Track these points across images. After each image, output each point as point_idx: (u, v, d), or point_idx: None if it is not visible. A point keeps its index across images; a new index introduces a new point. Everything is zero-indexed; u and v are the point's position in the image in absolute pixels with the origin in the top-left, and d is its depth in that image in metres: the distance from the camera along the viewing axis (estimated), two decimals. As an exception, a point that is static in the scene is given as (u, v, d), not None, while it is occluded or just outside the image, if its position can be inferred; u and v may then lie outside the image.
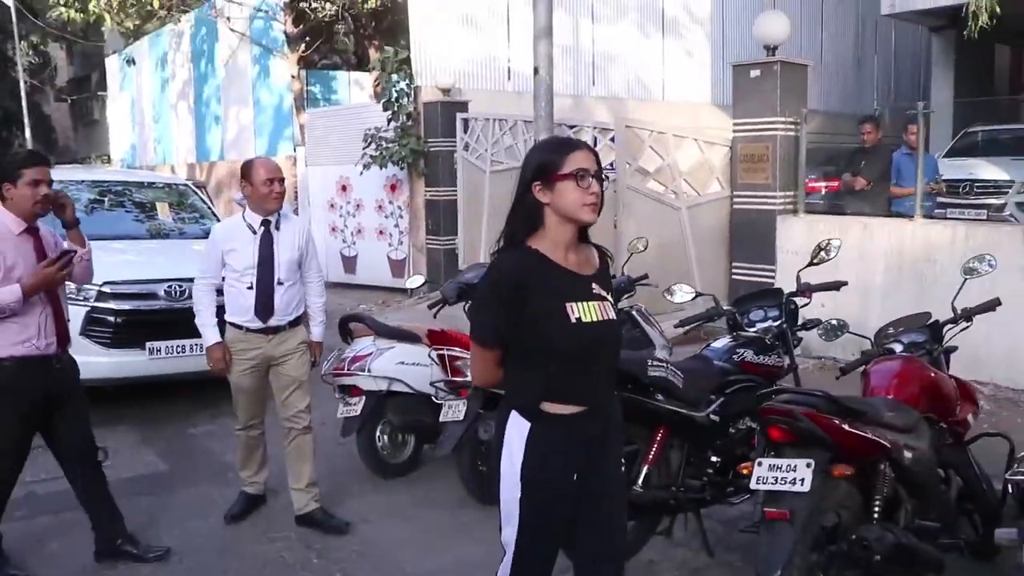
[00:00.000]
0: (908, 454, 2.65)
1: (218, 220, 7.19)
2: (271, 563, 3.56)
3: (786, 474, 2.48)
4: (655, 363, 3.34)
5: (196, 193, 7.62)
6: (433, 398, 4.19)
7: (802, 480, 2.46)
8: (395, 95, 9.91)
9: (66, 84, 34.11)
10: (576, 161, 2.08)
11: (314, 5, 13.36)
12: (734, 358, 3.58)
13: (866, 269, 6.22)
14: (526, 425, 2.12)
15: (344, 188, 11.62)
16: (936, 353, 3.33)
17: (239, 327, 3.81)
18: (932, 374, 3.07)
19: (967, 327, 3.32)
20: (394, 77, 9.83)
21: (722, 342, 3.73)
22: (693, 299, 4.07)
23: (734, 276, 7.13)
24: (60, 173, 5.87)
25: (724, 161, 7.28)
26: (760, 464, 2.55)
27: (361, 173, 10.39)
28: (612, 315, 2.17)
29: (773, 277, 6.75)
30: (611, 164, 7.07)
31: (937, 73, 14.67)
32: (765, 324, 3.72)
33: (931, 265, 6.04)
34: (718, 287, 6.82)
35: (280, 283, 3.80)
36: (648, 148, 7.02)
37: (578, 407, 2.13)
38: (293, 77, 13.30)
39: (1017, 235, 5.73)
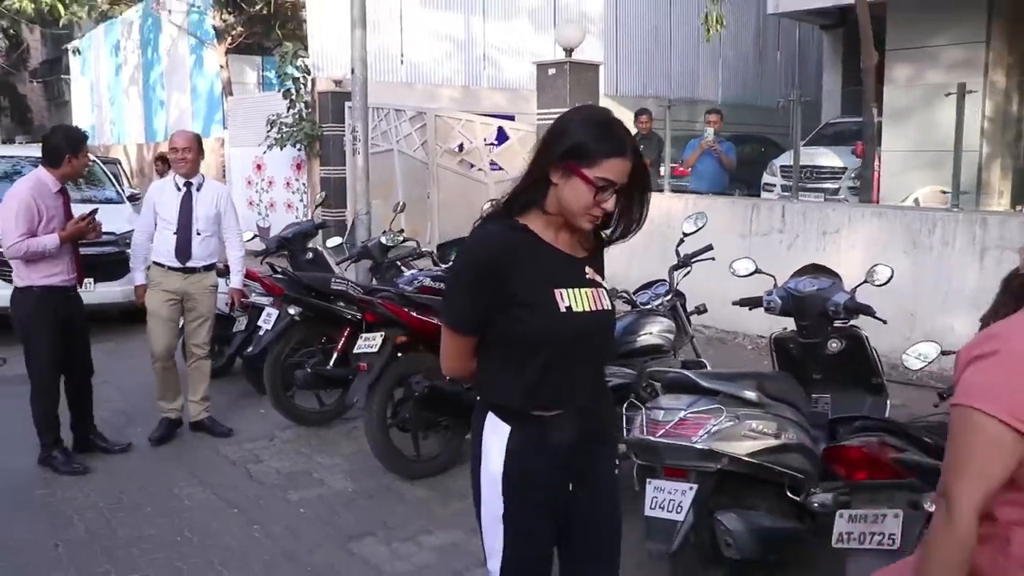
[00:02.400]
0: None
1: (118, 189, 8.98)
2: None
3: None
4: (337, 279, 5.11)
5: (100, 167, 9.34)
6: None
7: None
8: (292, 85, 11.63)
9: (39, 66, 35.77)
10: (609, 168, 1.84)
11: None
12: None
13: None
14: (505, 428, 1.92)
15: (259, 167, 13.37)
16: (670, 298, 4.40)
17: (161, 265, 4.84)
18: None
19: (688, 271, 4.40)
20: (290, 69, 11.54)
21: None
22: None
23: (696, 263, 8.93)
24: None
25: (532, 144, 9.04)
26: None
27: (264, 153, 12.14)
28: (606, 304, 1.97)
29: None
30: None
31: (828, 67, 16.46)
32: (658, 300, 4.45)
33: (672, 231, 7.78)
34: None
35: (198, 233, 4.84)
36: (458, 132, 8.75)
37: (566, 408, 1.94)
38: (221, 67, 15.02)
39: (737, 206, 7.47)
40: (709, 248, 4.59)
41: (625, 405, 3.52)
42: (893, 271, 3.62)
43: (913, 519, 2.42)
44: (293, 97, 11.67)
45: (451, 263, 4.46)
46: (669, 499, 3.01)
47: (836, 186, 12.22)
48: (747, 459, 2.97)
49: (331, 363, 5.05)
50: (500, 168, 9.37)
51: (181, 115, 17.13)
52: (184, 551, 3.64)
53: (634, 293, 4.74)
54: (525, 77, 14.17)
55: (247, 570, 3.48)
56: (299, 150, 12.00)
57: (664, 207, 7.91)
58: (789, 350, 3.79)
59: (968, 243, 5.87)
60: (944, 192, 10.13)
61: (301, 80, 11.66)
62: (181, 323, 5.04)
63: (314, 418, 5.22)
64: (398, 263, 6.19)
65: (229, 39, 15.28)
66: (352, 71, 7.67)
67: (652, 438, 3.04)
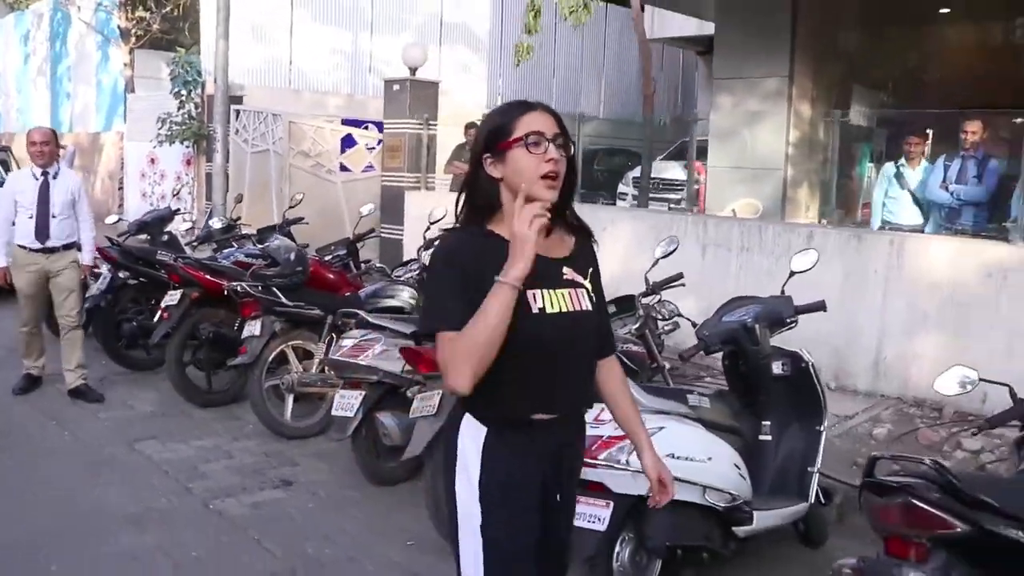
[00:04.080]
0: None
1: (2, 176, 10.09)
2: None
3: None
4: (163, 252, 6.40)
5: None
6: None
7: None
8: (183, 88, 12.82)
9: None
10: (529, 123, 1.87)
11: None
12: None
13: (447, 224, 9.42)
14: (482, 431, 1.92)
15: (152, 161, 14.48)
16: (639, 327, 4.53)
17: (23, 247, 5.63)
18: None
19: (658, 298, 4.49)
20: (179, 73, 12.73)
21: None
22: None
23: (382, 235, 10.25)
24: None
25: (379, 149, 10.44)
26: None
27: (154, 147, 13.29)
28: (586, 305, 1.97)
29: (402, 234, 9.89)
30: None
31: (701, 90, 18.27)
32: (624, 329, 4.52)
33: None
34: (371, 243, 9.96)
35: (54, 216, 5.62)
36: (311, 137, 10.11)
37: (544, 414, 1.94)
38: (125, 64, 16.11)
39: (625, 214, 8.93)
40: (680, 276, 4.71)
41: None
42: (818, 256, 4.06)
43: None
44: (183, 98, 12.84)
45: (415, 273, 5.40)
46: (347, 402, 4.40)
47: (679, 197, 13.92)
48: (398, 373, 4.37)
49: (155, 318, 6.33)
50: (348, 169, 10.80)
51: (85, 108, 18.09)
52: (5, 444, 4.91)
53: (392, 271, 6.18)
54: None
55: (52, 458, 4.77)
56: (187, 147, 13.17)
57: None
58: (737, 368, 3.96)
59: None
60: (753, 202, 11.91)
61: (192, 83, 12.84)
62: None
63: (137, 362, 6.49)
64: (232, 242, 7.51)
65: (134, 38, 16.37)
66: (215, 80, 8.93)
67: (334, 356, 4.44)
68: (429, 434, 3.72)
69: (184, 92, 12.86)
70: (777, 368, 3.94)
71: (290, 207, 7.71)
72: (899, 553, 2.14)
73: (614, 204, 13.88)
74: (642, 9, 15.10)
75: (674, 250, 4.58)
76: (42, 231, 5.64)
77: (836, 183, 12.21)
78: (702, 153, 13.10)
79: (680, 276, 4.60)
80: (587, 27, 18.47)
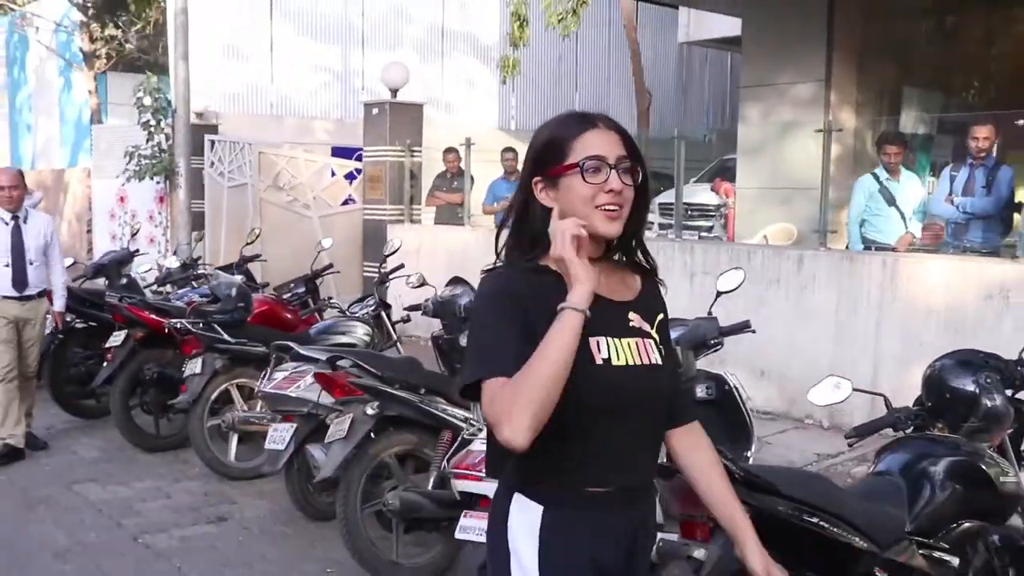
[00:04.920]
0: None
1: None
2: None
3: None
4: (110, 294, 7.45)
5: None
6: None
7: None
8: (151, 117, 14.08)
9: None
10: (587, 145, 1.88)
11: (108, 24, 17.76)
12: None
13: (432, 263, 10.36)
14: (537, 510, 1.91)
15: (122, 199, 15.77)
16: (375, 308, 7.27)
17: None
18: None
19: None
20: (148, 101, 14.00)
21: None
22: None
23: (365, 273, 11.24)
24: None
25: (359, 180, 11.49)
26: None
27: (123, 184, 14.54)
28: (656, 358, 1.96)
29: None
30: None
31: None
32: (364, 310, 7.19)
33: (471, 262, 10.18)
34: (352, 282, 10.96)
35: (31, 263, 6.39)
36: (283, 168, 11.20)
37: (609, 486, 1.93)
38: (90, 92, 17.57)
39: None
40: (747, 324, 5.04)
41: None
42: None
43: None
44: (152, 129, 14.10)
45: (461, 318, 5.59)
46: (279, 435, 5.30)
47: (710, 224, 14.71)
48: (327, 404, 5.26)
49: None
50: (353, 201, 11.88)
51: (49, 141, 19.63)
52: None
53: (348, 307, 7.13)
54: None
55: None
56: (158, 183, 14.41)
57: (471, 240, 10.32)
58: (441, 346, 6.10)
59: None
60: (788, 227, 12.65)
61: (162, 112, 14.11)
62: None
63: (86, 410, 7.49)
64: (192, 281, 8.54)
65: (105, 59, 17.85)
66: (174, 110, 10.06)
67: (265, 389, 5.36)
68: (340, 456, 4.59)
69: (153, 122, 14.12)
70: (701, 391, 4.75)
71: (247, 243, 8.73)
72: (689, 534, 2.94)
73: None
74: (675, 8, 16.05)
75: (741, 283, 4.91)
76: (19, 279, 6.47)
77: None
78: (732, 173, 13.89)
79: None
80: (615, 34, 19.57)
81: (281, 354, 5.63)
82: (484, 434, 4.09)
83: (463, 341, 5.67)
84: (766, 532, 2.27)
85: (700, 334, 4.71)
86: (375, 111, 11.11)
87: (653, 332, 2.01)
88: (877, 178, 7.86)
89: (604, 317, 1.90)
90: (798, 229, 12.09)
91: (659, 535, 3.14)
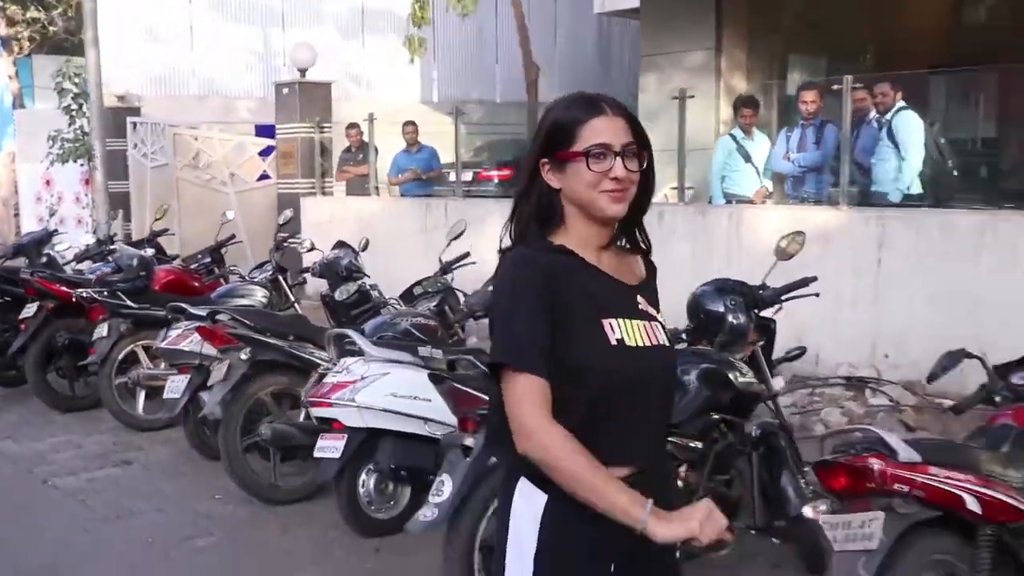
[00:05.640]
0: None
1: None
2: None
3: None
4: (25, 270, 8.02)
5: None
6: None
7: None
8: (72, 101, 14.51)
9: None
10: (594, 131, 1.92)
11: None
12: None
13: (344, 232, 10.99)
14: (541, 498, 1.92)
15: (48, 182, 16.20)
16: (272, 273, 7.91)
17: None
18: None
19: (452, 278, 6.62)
20: (68, 85, 14.42)
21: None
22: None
23: (289, 245, 11.84)
24: None
25: (272, 156, 12.10)
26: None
27: (48, 168, 14.98)
28: (664, 339, 2.01)
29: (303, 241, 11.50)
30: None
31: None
32: (262, 275, 8.19)
33: (386, 228, 10.84)
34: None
35: None
36: (197, 148, 11.77)
37: (622, 468, 1.92)
38: (10, 77, 17.92)
39: (415, 206, 10.51)
40: (468, 255, 6.44)
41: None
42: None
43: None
44: (73, 113, 14.54)
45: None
46: (175, 385, 5.95)
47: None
48: (213, 355, 5.91)
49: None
50: (268, 177, 12.48)
51: (-26, 128, 19.89)
52: None
53: (248, 273, 7.79)
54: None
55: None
56: (82, 165, 14.86)
57: (370, 208, 10.99)
58: (327, 302, 6.77)
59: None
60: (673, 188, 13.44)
61: (83, 97, 14.54)
62: None
63: (8, 380, 8.08)
64: (108, 258, 9.12)
65: (27, 42, 18.18)
66: (87, 94, 10.57)
67: (161, 345, 6.00)
68: (219, 396, 5.28)
69: (75, 106, 14.56)
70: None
71: (156, 219, 9.32)
72: (463, 428, 3.72)
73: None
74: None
75: (463, 232, 6.16)
76: None
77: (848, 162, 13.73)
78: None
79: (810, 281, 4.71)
80: (534, 3, 20.15)
81: (176, 315, 6.28)
82: (337, 368, 4.82)
83: (339, 296, 6.39)
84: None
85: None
86: (285, 91, 11.69)
87: (659, 316, 2.05)
88: (735, 138, 8.67)
89: (617, 299, 1.98)
90: (695, 187, 12.89)
91: (433, 422, 3.92)
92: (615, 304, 1.96)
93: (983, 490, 3.08)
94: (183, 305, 6.16)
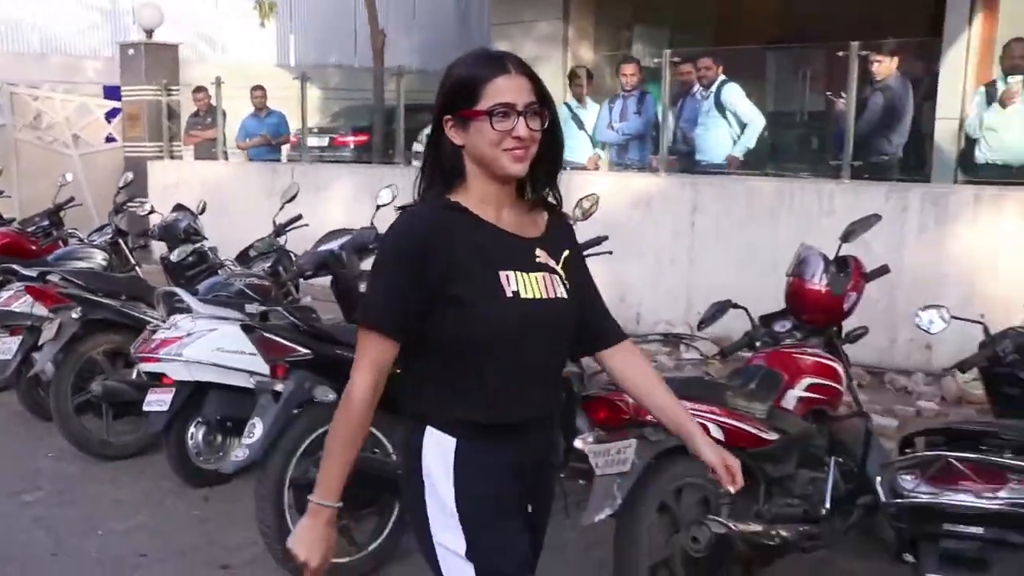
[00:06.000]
0: None
1: None
2: None
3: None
4: None
5: None
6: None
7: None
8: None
9: None
10: (497, 91, 1.94)
11: None
12: None
13: (191, 196, 10.99)
14: (450, 441, 2.01)
15: None
16: (112, 237, 7.87)
17: None
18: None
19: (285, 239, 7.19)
20: None
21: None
22: None
23: (129, 208, 11.74)
24: None
25: (118, 118, 11.95)
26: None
27: None
28: (562, 292, 2.07)
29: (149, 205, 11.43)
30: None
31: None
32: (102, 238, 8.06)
33: (233, 192, 10.88)
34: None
35: None
36: (39, 109, 11.55)
37: (522, 415, 2.05)
38: None
39: (262, 171, 10.60)
40: (300, 217, 6.63)
41: None
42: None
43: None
44: None
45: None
46: (7, 347, 5.99)
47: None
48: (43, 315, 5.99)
49: None
50: (114, 139, 12.30)
51: None
52: None
53: (88, 236, 7.82)
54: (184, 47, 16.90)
55: None
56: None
57: (217, 172, 11.03)
58: (166, 264, 6.85)
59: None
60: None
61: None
62: None
63: None
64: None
65: None
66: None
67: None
68: (50, 354, 5.41)
69: None
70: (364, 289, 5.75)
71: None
72: (275, 374, 3.98)
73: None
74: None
75: (295, 195, 6.38)
76: None
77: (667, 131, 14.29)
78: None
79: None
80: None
81: (7, 276, 6.31)
82: (166, 325, 5.01)
83: (175, 258, 6.53)
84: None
85: (361, 240, 5.69)
86: (131, 52, 11.55)
87: (559, 268, 2.10)
88: (569, 107, 9.07)
89: (513, 253, 2.03)
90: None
91: (257, 375, 4.18)
92: (511, 258, 2.01)
93: (725, 420, 3.54)
94: (14, 266, 6.20)
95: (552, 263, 2.09)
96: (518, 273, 2.00)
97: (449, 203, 2.01)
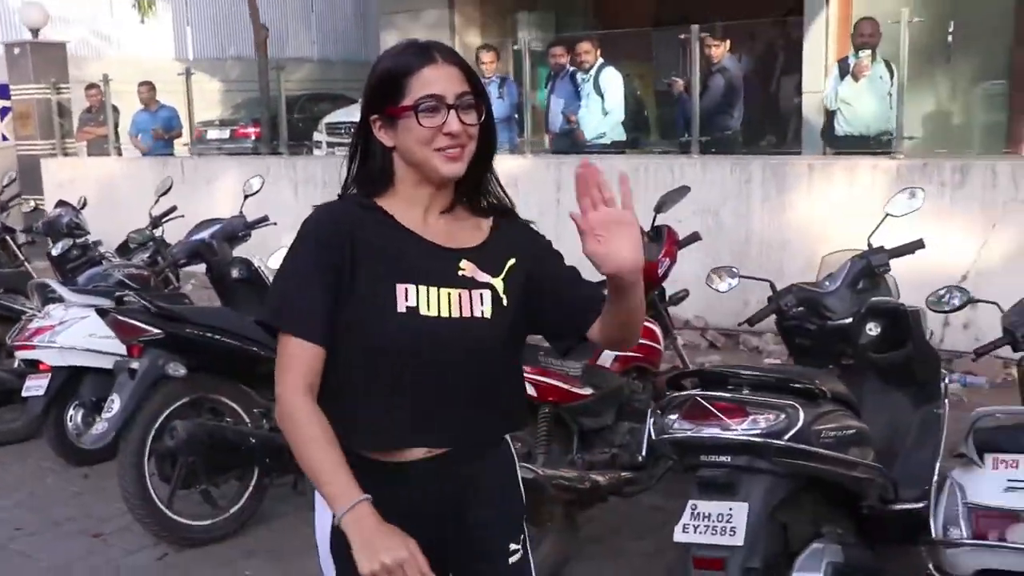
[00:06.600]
0: None
1: None
2: None
3: None
4: None
5: None
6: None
7: None
8: None
9: None
10: (424, 82, 1.75)
11: None
12: None
13: (85, 192, 11.08)
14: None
15: None
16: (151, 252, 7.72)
17: None
18: None
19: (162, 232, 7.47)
20: None
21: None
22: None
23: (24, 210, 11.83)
24: None
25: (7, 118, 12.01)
26: None
27: None
28: (482, 311, 1.83)
29: (43, 203, 11.52)
30: None
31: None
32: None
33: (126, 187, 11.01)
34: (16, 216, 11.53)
35: None
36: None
37: (414, 448, 1.81)
38: None
39: (169, 166, 10.77)
40: (175, 209, 6.76)
41: None
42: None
43: None
44: None
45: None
46: None
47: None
48: None
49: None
50: (7, 139, 12.32)
51: None
52: None
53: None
54: (81, 44, 16.76)
55: None
56: None
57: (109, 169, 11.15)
58: (53, 259, 7.06)
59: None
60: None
61: None
62: None
63: None
64: None
65: None
66: None
67: None
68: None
69: None
70: (238, 272, 6.06)
71: None
72: (131, 353, 4.31)
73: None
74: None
75: (169, 188, 6.67)
76: None
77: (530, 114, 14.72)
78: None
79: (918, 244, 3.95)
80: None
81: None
82: (40, 314, 5.27)
83: (55, 252, 6.74)
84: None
85: (231, 229, 5.99)
86: (17, 51, 11.59)
87: (493, 280, 1.86)
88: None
89: (425, 264, 1.82)
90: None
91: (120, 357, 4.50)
92: (419, 269, 1.81)
93: (536, 377, 3.94)
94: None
95: (482, 276, 1.86)
96: (423, 287, 1.80)
97: (363, 201, 1.85)
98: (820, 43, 9.82)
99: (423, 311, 1.79)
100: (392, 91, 1.78)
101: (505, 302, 1.87)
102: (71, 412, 5.23)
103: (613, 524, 4.43)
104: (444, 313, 1.80)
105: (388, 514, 1.71)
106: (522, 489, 2.03)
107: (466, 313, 1.82)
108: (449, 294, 1.82)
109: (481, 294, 1.85)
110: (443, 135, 1.76)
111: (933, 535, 3.13)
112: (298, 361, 1.77)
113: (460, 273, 1.85)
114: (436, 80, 1.76)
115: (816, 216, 7.17)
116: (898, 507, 3.44)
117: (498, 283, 1.88)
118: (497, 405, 1.91)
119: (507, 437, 2.01)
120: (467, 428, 1.86)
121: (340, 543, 1.74)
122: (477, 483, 1.89)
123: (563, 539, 3.96)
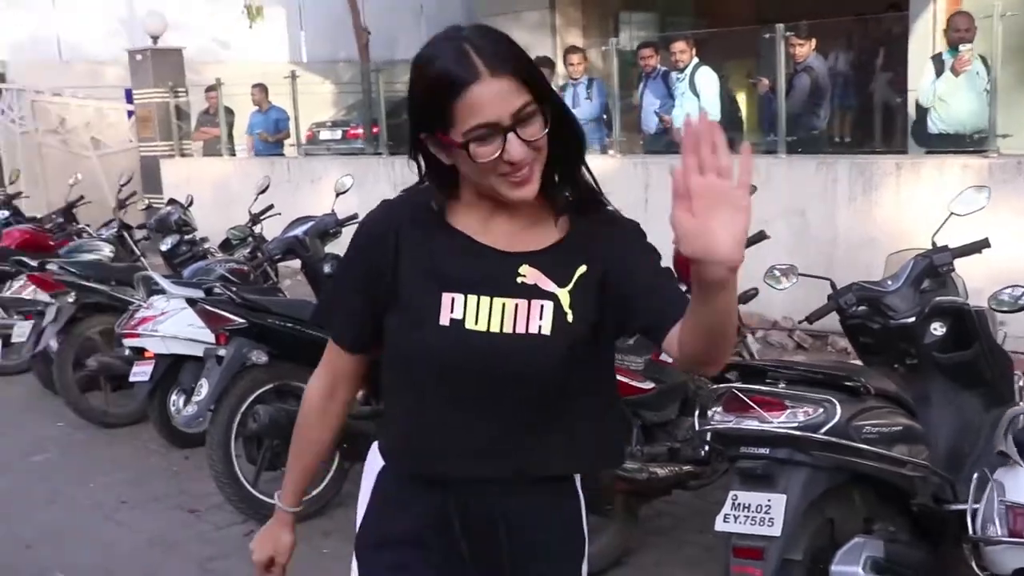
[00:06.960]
0: None
1: None
2: None
3: None
4: None
5: None
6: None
7: None
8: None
9: None
10: (471, 107, 1.50)
11: None
12: None
13: (200, 190, 11.67)
14: (379, 464, 1.75)
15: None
16: (117, 230, 8.60)
17: None
18: None
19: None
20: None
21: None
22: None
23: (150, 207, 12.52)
24: None
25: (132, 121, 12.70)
26: None
27: None
28: (539, 326, 1.61)
29: (162, 201, 12.17)
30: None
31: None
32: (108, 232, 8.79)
33: (239, 186, 11.55)
34: (135, 213, 12.24)
35: None
36: (56, 114, 12.31)
37: (446, 471, 1.67)
38: None
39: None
40: (272, 207, 7.10)
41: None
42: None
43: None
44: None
45: None
46: (21, 331, 6.70)
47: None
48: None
49: None
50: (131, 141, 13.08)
51: None
52: None
53: (96, 230, 8.54)
54: (201, 49, 17.49)
55: None
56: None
57: (222, 168, 11.70)
58: (164, 254, 7.54)
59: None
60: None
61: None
62: None
63: None
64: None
65: None
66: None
67: (4, 295, 6.75)
68: (52, 334, 6.15)
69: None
70: (329, 267, 6.37)
71: (10, 182, 9.93)
72: (218, 341, 4.62)
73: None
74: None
75: (267, 187, 7.04)
76: None
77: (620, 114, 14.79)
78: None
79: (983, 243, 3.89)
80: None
81: (19, 268, 7.01)
82: (145, 305, 5.67)
83: (164, 247, 7.19)
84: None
85: (323, 226, 6.30)
86: (139, 57, 12.25)
87: (558, 290, 1.64)
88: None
89: (479, 270, 1.63)
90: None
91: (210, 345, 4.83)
92: (470, 278, 1.62)
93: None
94: (22, 258, 6.89)
95: (546, 284, 1.64)
96: (473, 296, 1.62)
97: (424, 199, 1.67)
98: (926, 39, 9.60)
99: (469, 324, 1.61)
100: (436, 117, 1.55)
101: (570, 318, 1.63)
102: (173, 397, 5.62)
103: (678, 517, 4.53)
104: (495, 328, 1.61)
105: (408, 510, 1.71)
106: (585, 540, 1.80)
107: (520, 328, 1.62)
108: (504, 305, 1.62)
109: (542, 306, 1.63)
110: (504, 163, 1.54)
111: (970, 533, 3.15)
112: (328, 362, 1.80)
113: (520, 280, 1.64)
114: (486, 104, 1.51)
115: (905, 216, 7.08)
116: (955, 507, 3.42)
117: (563, 295, 1.64)
118: (558, 438, 1.68)
119: (576, 479, 1.76)
120: (512, 458, 1.66)
121: (367, 542, 1.78)
122: (515, 511, 1.69)
123: (624, 530, 4.08)
